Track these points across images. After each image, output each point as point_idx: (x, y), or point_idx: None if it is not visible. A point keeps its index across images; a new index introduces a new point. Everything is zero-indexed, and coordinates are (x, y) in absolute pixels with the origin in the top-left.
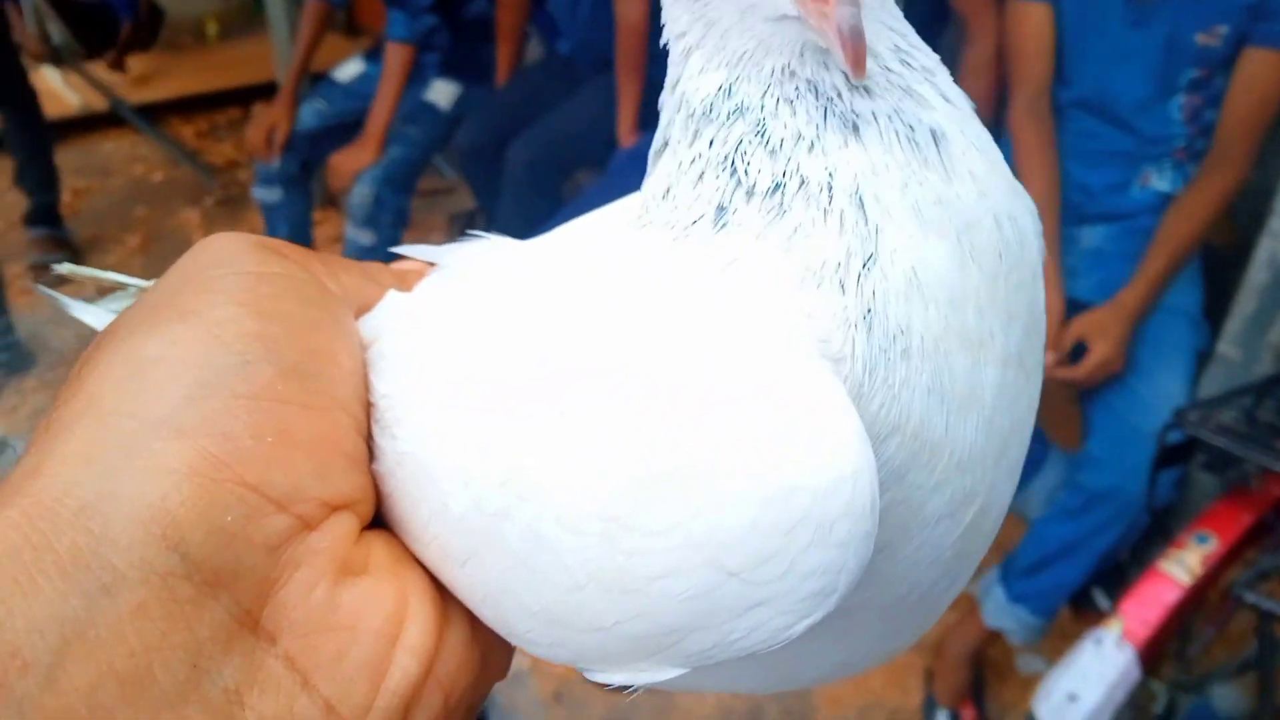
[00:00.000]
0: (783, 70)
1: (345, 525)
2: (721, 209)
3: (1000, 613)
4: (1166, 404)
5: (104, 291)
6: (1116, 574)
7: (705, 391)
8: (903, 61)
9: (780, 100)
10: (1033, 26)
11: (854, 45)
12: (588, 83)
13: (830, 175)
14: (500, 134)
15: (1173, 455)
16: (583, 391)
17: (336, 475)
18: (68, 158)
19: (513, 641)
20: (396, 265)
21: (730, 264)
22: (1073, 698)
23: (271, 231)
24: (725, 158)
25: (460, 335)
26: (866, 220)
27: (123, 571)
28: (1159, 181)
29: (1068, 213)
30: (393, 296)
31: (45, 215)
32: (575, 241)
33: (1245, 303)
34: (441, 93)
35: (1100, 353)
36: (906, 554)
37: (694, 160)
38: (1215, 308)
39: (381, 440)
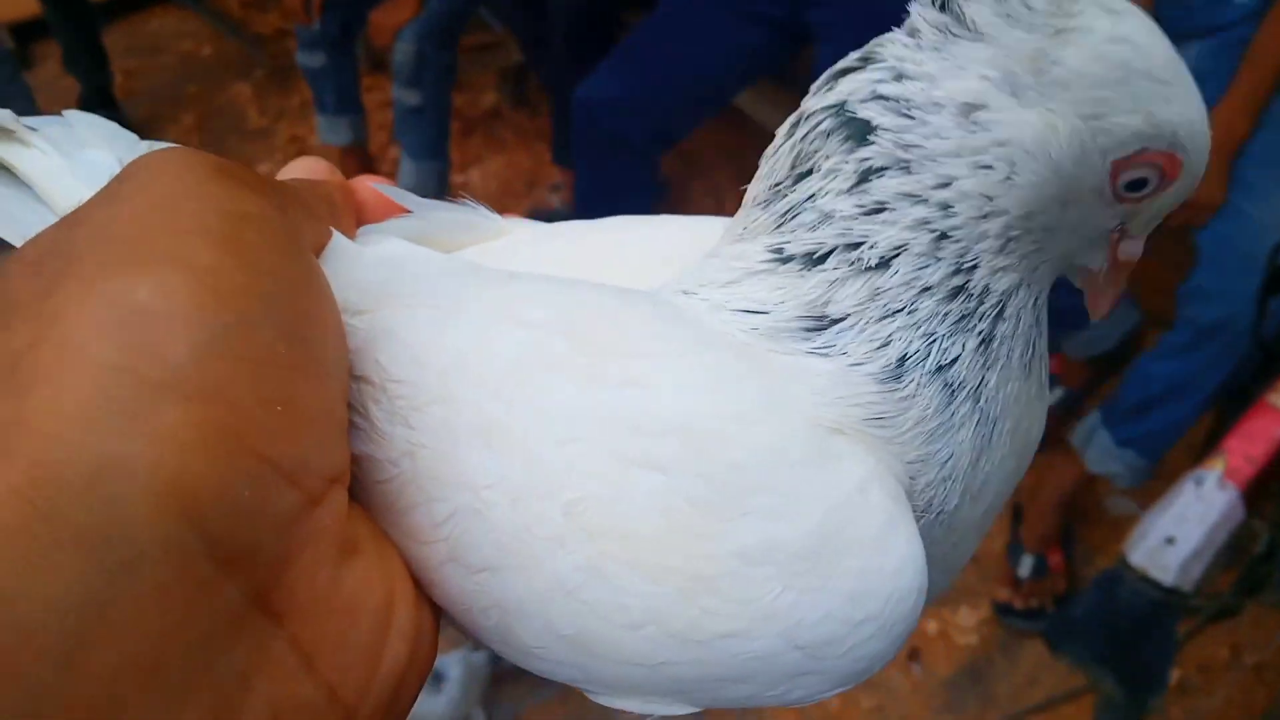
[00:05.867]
0: (1034, 305)
1: (342, 501)
2: (903, 361)
3: (1107, 457)
4: (1278, 226)
5: None
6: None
7: (809, 482)
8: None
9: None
10: None
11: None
12: None
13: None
14: None
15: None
16: (667, 446)
17: (334, 447)
18: (115, 38)
19: (504, 651)
20: (329, 184)
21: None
22: (1170, 541)
23: (319, 99)
24: (932, 333)
25: (506, 341)
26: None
27: (145, 548)
28: None
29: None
30: (383, 256)
31: (100, 98)
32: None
33: None
34: None
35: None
36: None
37: (898, 302)
38: None
39: (388, 425)
